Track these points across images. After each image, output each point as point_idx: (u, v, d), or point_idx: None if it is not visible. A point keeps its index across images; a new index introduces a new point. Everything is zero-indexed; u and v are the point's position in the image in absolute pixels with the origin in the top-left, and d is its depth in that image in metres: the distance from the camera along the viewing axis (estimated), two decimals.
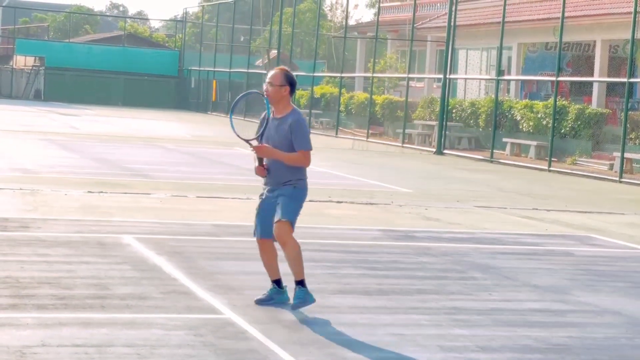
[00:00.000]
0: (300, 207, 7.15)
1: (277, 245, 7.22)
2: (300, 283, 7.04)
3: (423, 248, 10.78)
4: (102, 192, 14.01)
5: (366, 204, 14.65)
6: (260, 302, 7.24)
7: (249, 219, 12.21)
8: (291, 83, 7.06)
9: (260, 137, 7.09)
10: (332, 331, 6.65)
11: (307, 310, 7.10)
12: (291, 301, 7.17)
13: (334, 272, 8.36)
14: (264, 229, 7.14)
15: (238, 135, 7.06)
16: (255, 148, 7.06)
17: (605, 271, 10.07)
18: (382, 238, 11.32)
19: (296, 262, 7.01)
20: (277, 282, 7.28)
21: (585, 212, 15.58)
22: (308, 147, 7.09)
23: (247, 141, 7.09)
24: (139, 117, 41.03)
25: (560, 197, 17.84)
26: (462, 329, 7.00)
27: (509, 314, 7.66)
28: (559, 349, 6.64)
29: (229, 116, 7.14)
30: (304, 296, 7.03)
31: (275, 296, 7.26)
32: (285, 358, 5.96)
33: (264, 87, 7.09)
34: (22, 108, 42.67)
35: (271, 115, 7.11)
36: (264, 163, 7.12)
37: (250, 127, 7.39)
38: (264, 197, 7.19)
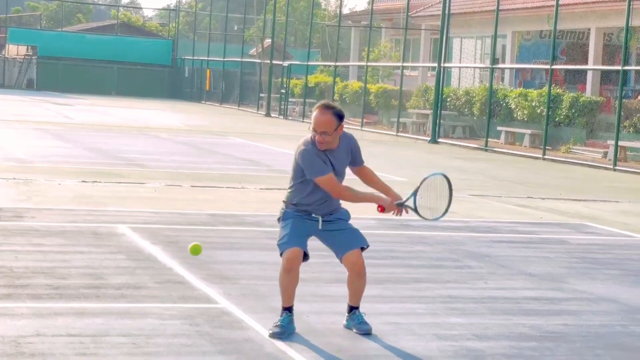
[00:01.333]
0: None
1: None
2: (357, 308, 6.54)
3: (418, 237, 10.78)
4: (96, 181, 13.98)
5: None
6: (277, 335, 6.21)
7: (244, 208, 12.29)
8: (340, 117, 6.24)
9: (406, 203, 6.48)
10: (327, 320, 6.65)
11: (303, 300, 7.08)
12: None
13: (329, 262, 8.32)
14: (301, 240, 6.29)
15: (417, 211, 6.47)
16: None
17: (600, 259, 10.08)
18: (377, 227, 11.31)
19: (364, 289, 6.54)
20: (291, 309, 6.38)
21: (580, 200, 15.59)
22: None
23: (414, 209, 6.50)
24: (132, 107, 40.95)
25: (555, 186, 17.85)
26: (458, 318, 7.00)
27: (505, 302, 7.66)
28: (554, 336, 6.64)
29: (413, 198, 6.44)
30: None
31: (290, 325, 6.32)
32: (281, 347, 5.96)
33: (315, 138, 6.19)
34: (15, 97, 42.55)
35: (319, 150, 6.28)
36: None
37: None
38: (312, 222, 6.39)
